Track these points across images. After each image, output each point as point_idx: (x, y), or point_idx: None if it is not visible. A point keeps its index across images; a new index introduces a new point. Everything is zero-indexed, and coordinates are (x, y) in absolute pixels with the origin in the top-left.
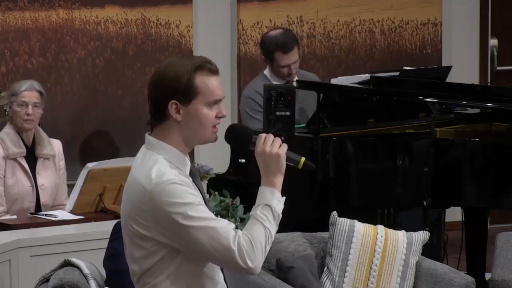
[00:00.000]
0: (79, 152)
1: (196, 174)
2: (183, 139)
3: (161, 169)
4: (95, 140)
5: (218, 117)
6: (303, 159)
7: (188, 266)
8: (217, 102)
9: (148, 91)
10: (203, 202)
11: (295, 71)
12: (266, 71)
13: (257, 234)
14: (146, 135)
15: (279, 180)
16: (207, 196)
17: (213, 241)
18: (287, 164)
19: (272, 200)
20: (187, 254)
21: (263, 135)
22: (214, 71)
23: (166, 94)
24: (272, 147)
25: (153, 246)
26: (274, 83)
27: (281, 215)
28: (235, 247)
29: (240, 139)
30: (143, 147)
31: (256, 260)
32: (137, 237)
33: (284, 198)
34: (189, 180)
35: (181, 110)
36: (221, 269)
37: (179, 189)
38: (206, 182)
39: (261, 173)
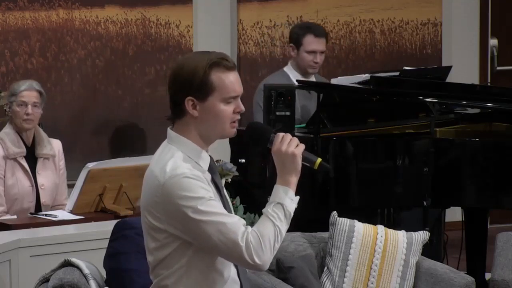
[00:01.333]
0: (79, 152)
1: (216, 170)
2: (201, 134)
3: (176, 163)
4: (95, 140)
5: (236, 112)
6: (319, 159)
7: (200, 259)
8: (234, 98)
9: (167, 87)
10: (215, 197)
11: (320, 61)
12: (286, 68)
13: (266, 231)
14: (168, 129)
15: (294, 179)
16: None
17: (222, 235)
18: (303, 164)
19: (285, 198)
20: (199, 247)
21: (281, 134)
22: (230, 67)
23: (183, 90)
24: (289, 146)
25: (166, 238)
26: (293, 80)
27: (292, 214)
28: (242, 242)
29: (258, 136)
30: (165, 141)
31: (263, 257)
32: (151, 229)
33: (298, 197)
34: (205, 175)
35: (198, 106)
36: (235, 265)
37: (192, 183)
38: (230, 180)
39: (277, 171)
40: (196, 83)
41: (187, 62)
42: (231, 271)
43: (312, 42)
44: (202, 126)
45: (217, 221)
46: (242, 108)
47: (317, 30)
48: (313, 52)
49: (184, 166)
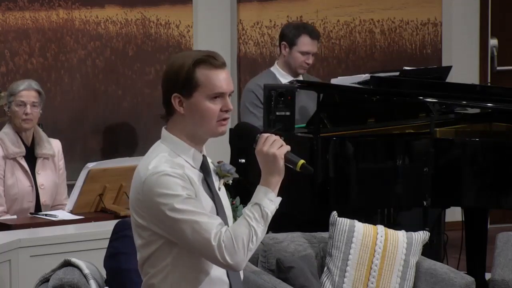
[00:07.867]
0: (79, 152)
1: (209, 170)
2: (188, 132)
3: (160, 161)
4: (95, 140)
5: (223, 110)
6: (301, 161)
7: (185, 258)
8: (220, 95)
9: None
10: (193, 196)
11: (311, 62)
12: (273, 68)
13: (240, 231)
14: (163, 128)
15: (276, 180)
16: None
17: (196, 234)
18: (286, 165)
19: (263, 199)
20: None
21: (265, 134)
22: (218, 65)
23: (169, 88)
24: (271, 147)
25: (150, 236)
26: (280, 79)
27: (271, 215)
28: (215, 242)
29: (245, 136)
30: (159, 140)
31: (236, 257)
32: (137, 226)
33: (279, 198)
34: (193, 174)
35: (184, 103)
36: None
37: (171, 180)
38: (231, 182)
39: (261, 171)
40: (181, 79)
41: (176, 60)
42: (218, 271)
43: (307, 44)
44: (189, 124)
45: (191, 219)
46: (230, 106)
47: (313, 32)
48: (306, 53)
49: (166, 164)
